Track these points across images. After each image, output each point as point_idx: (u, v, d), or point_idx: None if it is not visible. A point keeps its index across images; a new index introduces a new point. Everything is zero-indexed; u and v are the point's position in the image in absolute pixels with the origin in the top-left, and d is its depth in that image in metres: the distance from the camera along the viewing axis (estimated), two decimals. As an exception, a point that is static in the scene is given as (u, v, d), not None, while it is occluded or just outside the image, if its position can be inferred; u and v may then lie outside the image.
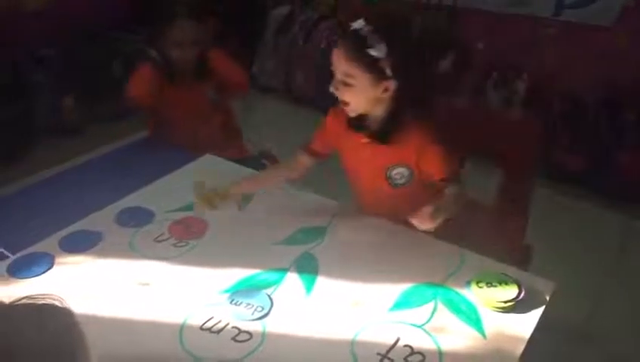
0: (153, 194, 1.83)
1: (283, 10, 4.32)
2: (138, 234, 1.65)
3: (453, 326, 1.29)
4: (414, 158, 1.57)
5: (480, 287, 1.36)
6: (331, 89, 1.50)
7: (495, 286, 1.35)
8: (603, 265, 2.58)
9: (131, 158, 2.17)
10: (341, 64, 1.46)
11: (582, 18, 3.07)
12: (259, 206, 1.77)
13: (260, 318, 1.33)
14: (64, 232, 1.65)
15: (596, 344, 2.19)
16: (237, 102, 2.45)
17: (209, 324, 1.32)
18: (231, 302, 1.37)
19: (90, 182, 1.96)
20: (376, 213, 1.70)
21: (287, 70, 4.21)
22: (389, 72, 1.43)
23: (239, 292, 1.41)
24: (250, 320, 1.32)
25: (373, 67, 1.42)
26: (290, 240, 1.60)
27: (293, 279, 1.46)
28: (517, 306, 1.32)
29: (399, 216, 1.61)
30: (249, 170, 1.98)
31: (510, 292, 1.33)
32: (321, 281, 1.45)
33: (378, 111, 1.54)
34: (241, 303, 1.37)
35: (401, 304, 1.36)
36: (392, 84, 1.46)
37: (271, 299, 1.38)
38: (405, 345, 1.24)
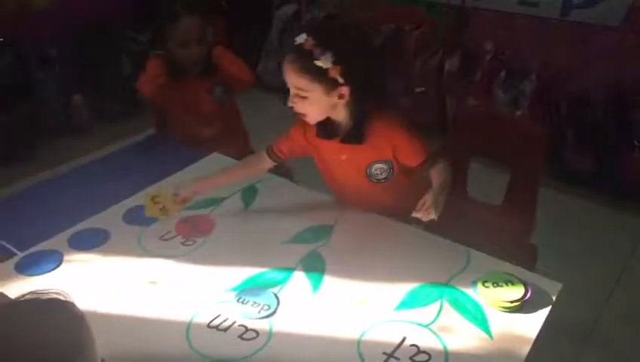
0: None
1: (289, 9, 4.32)
2: (145, 232, 1.66)
3: (460, 326, 1.29)
4: (390, 151, 1.60)
5: (486, 287, 1.36)
6: (288, 104, 1.52)
7: (501, 286, 1.35)
8: (610, 265, 2.57)
9: (139, 157, 2.18)
10: (292, 79, 1.48)
11: (589, 18, 3.06)
12: (266, 204, 1.78)
13: (267, 317, 1.33)
14: (72, 230, 1.67)
15: (602, 345, 2.18)
16: (241, 100, 2.45)
17: (216, 322, 1.32)
18: (238, 301, 1.38)
19: (97, 180, 1.98)
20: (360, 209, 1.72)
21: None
22: (340, 79, 1.44)
23: (246, 290, 1.41)
24: (256, 319, 1.33)
25: (323, 77, 1.44)
26: (297, 239, 1.61)
27: (299, 278, 1.46)
28: (523, 306, 1.32)
29: (385, 209, 1.68)
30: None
31: (516, 292, 1.33)
32: (328, 280, 1.45)
33: (341, 115, 1.56)
34: (247, 301, 1.37)
35: (407, 303, 1.36)
36: (345, 90, 1.47)
37: (277, 298, 1.38)
38: (411, 345, 1.25)
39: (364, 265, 1.50)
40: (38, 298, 0.78)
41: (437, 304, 1.36)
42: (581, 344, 2.18)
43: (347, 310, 1.36)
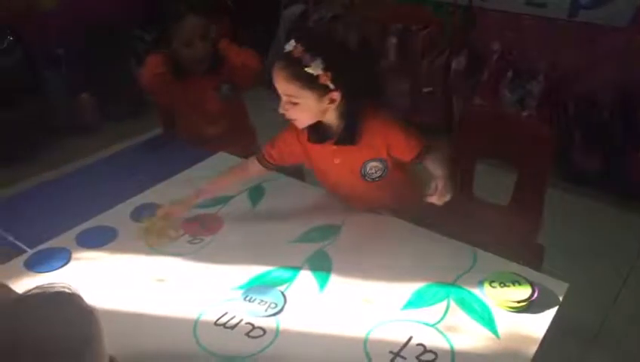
0: (167, 191, 1.84)
1: (296, 9, 4.32)
2: (153, 230, 1.67)
3: (466, 326, 1.29)
4: (384, 149, 1.60)
5: (493, 287, 1.36)
6: (280, 110, 1.51)
7: (508, 286, 1.35)
8: (617, 265, 2.56)
9: (146, 156, 2.19)
10: (282, 86, 1.48)
11: (597, 19, 3.05)
12: (273, 203, 1.78)
13: (274, 315, 1.34)
14: (81, 228, 1.68)
15: (609, 345, 2.18)
16: (248, 98, 2.45)
17: (223, 320, 1.33)
18: (245, 299, 1.38)
19: (105, 179, 1.99)
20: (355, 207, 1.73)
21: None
22: (331, 85, 1.44)
23: (253, 288, 1.42)
24: (263, 317, 1.33)
25: (313, 84, 1.44)
26: (304, 238, 1.61)
27: (306, 276, 1.46)
28: (530, 306, 1.32)
29: (382, 205, 1.70)
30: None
31: (523, 292, 1.33)
32: (334, 279, 1.45)
33: (331, 118, 1.56)
34: (254, 300, 1.38)
35: (414, 302, 1.37)
36: (337, 95, 1.48)
37: (284, 296, 1.39)
38: (418, 344, 1.25)
39: (370, 264, 1.51)
40: (45, 292, 0.78)
41: (444, 303, 1.36)
42: (588, 344, 2.17)
43: (354, 309, 1.36)
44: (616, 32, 3.00)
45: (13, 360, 0.70)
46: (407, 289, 1.40)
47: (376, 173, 1.63)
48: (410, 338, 1.26)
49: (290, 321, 1.33)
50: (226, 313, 1.35)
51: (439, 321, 1.31)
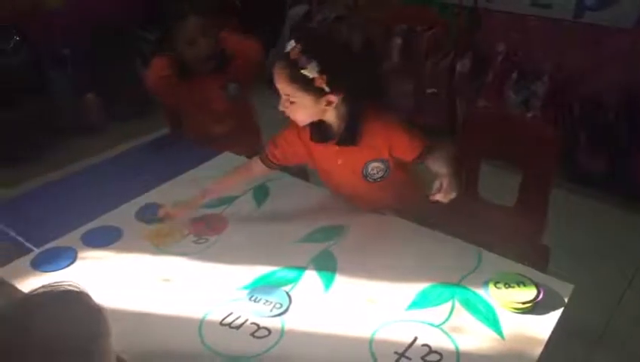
0: (173, 191, 1.85)
1: (300, 9, 4.33)
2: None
3: (471, 327, 1.29)
4: (386, 149, 1.60)
5: (498, 288, 1.36)
6: (280, 108, 1.52)
7: (513, 287, 1.35)
8: (622, 266, 2.56)
9: (152, 156, 2.19)
10: (281, 85, 1.48)
11: (602, 20, 3.04)
12: (278, 203, 1.79)
13: (279, 315, 1.34)
14: (86, 227, 1.69)
15: (615, 346, 2.17)
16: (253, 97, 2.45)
17: (228, 320, 1.33)
18: (250, 299, 1.39)
19: (111, 178, 1.99)
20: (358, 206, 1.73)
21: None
22: (326, 88, 1.45)
23: (258, 288, 1.42)
24: (268, 317, 1.33)
25: (309, 86, 1.44)
26: (310, 238, 1.61)
27: (311, 277, 1.47)
28: (535, 307, 1.32)
29: (385, 206, 1.70)
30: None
31: (529, 293, 1.32)
32: (339, 279, 1.46)
33: (332, 118, 1.56)
34: (260, 300, 1.38)
35: (419, 303, 1.37)
36: (333, 97, 1.48)
37: (289, 296, 1.39)
38: (423, 344, 1.25)
39: (375, 264, 1.51)
40: (53, 290, 0.78)
41: (448, 304, 1.36)
42: (593, 345, 2.17)
43: (358, 309, 1.36)
44: (622, 34, 2.99)
45: (22, 357, 0.70)
46: (412, 289, 1.40)
47: (377, 173, 1.63)
48: (415, 339, 1.26)
49: (296, 321, 1.33)
50: (231, 313, 1.35)
51: (444, 322, 1.31)
